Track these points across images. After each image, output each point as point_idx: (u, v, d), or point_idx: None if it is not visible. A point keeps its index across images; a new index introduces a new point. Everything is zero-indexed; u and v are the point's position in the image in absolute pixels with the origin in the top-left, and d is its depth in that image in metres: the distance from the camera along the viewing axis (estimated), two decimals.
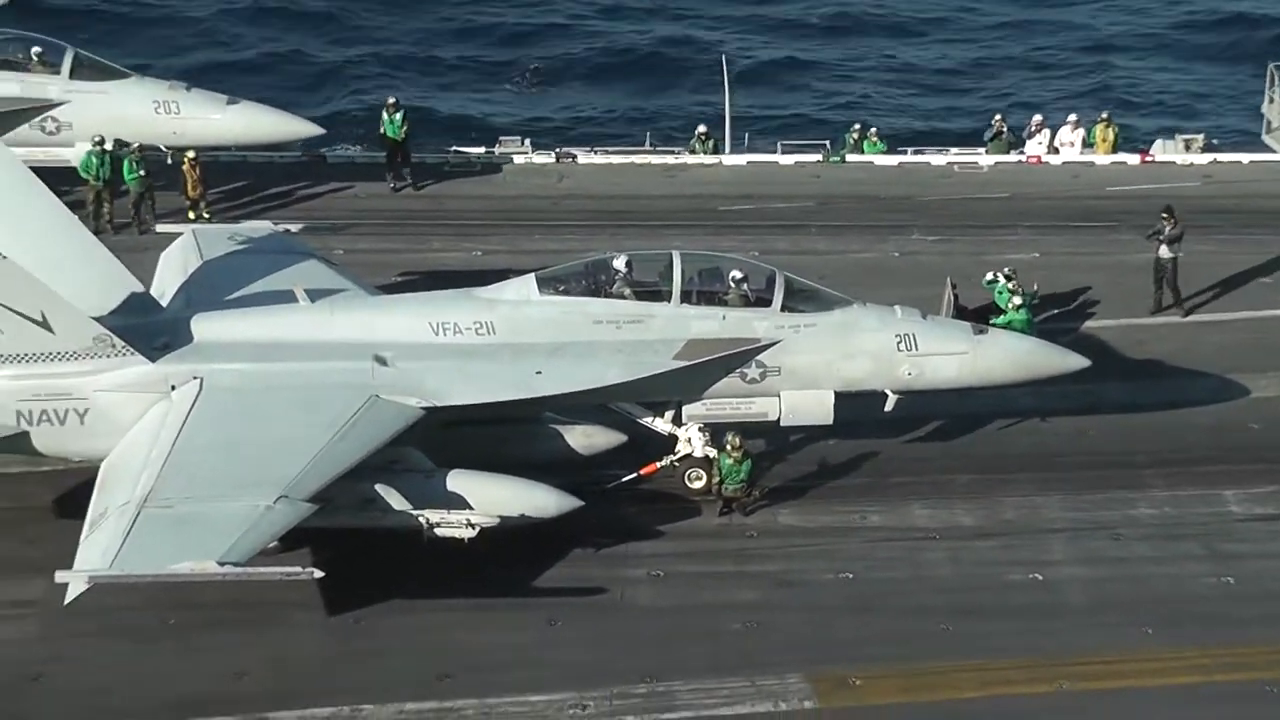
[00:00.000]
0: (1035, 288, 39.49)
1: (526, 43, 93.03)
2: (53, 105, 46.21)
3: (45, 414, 30.65)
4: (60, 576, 26.30)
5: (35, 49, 46.87)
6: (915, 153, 56.52)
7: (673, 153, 56.00)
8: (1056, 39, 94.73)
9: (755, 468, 32.64)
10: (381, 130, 51.89)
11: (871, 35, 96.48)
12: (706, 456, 32.76)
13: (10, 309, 29.95)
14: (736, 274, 32.75)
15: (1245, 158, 55.88)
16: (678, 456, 33.12)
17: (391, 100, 52.85)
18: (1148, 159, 55.21)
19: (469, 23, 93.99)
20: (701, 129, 56.25)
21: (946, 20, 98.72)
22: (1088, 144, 55.70)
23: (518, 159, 54.08)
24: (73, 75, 46.58)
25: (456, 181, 52.12)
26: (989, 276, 40.04)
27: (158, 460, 28.70)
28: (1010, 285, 39.04)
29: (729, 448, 32.18)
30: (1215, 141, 57.82)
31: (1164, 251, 42.34)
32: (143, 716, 26.31)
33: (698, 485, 32.93)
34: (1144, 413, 37.17)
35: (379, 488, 29.12)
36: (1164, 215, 42.42)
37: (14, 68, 46.49)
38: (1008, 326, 36.69)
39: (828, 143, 56.87)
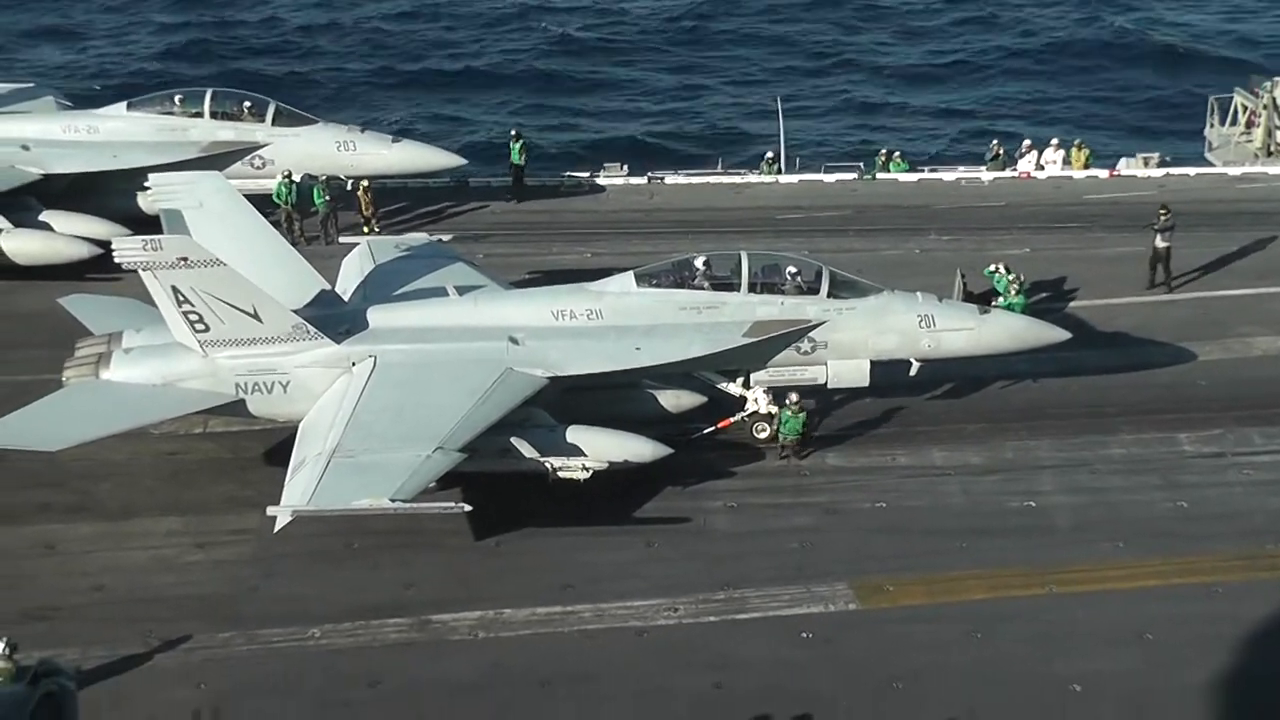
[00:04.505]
0: (1023, 278, 38.97)
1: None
2: (259, 146, 46.54)
3: (257, 385, 30.79)
4: (270, 511, 26.66)
5: (246, 103, 47.08)
6: (931, 171, 56.02)
7: (739, 174, 55.72)
8: (1040, 84, 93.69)
9: (808, 423, 32.31)
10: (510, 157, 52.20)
11: (896, 79, 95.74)
12: (770, 413, 32.52)
13: (229, 304, 30.12)
14: (791, 269, 32.50)
15: (1192, 171, 55.10)
16: (747, 413, 32.86)
17: (514, 132, 53.12)
18: (1115, 173, 54.43)
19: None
20: (769, 154, 55.93)
21: (959, 65, 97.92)
22: (1066, 162, 55.07)
23: (618, 180, 53.94)
24: (274, 123, 46.73)
25: (571, 199, 52.03)
26: (990, 268, 39.57)
27: (343, 420, 28.85)
28: (1009, 276, 38.64)
29: (789, 404, 31.95)
30: (1168, 158, 56.92)
31: (1159, 241, 41.56)
32: (334, 618, 26.41)
33: (762, 436, 32.68)
34: (1114, 374, 36.51)
35: (513, 440, 29.10)
36: (1161, 211, 41.64)
37: (230, 118, 46.74)
38: (1007, 308, 36.35)
39: (862, 164, 56.40)
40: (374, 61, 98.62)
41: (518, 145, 51.73)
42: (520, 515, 29.24)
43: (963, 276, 38.38)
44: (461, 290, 33.14)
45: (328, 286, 33.93)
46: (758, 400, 32.70)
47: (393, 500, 26.21)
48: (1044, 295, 41.07)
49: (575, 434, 29.62)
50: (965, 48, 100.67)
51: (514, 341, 31.11)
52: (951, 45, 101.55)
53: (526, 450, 29.09)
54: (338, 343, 30.94)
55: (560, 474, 29.06)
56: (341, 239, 41.96)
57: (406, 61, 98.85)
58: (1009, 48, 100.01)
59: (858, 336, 32.23)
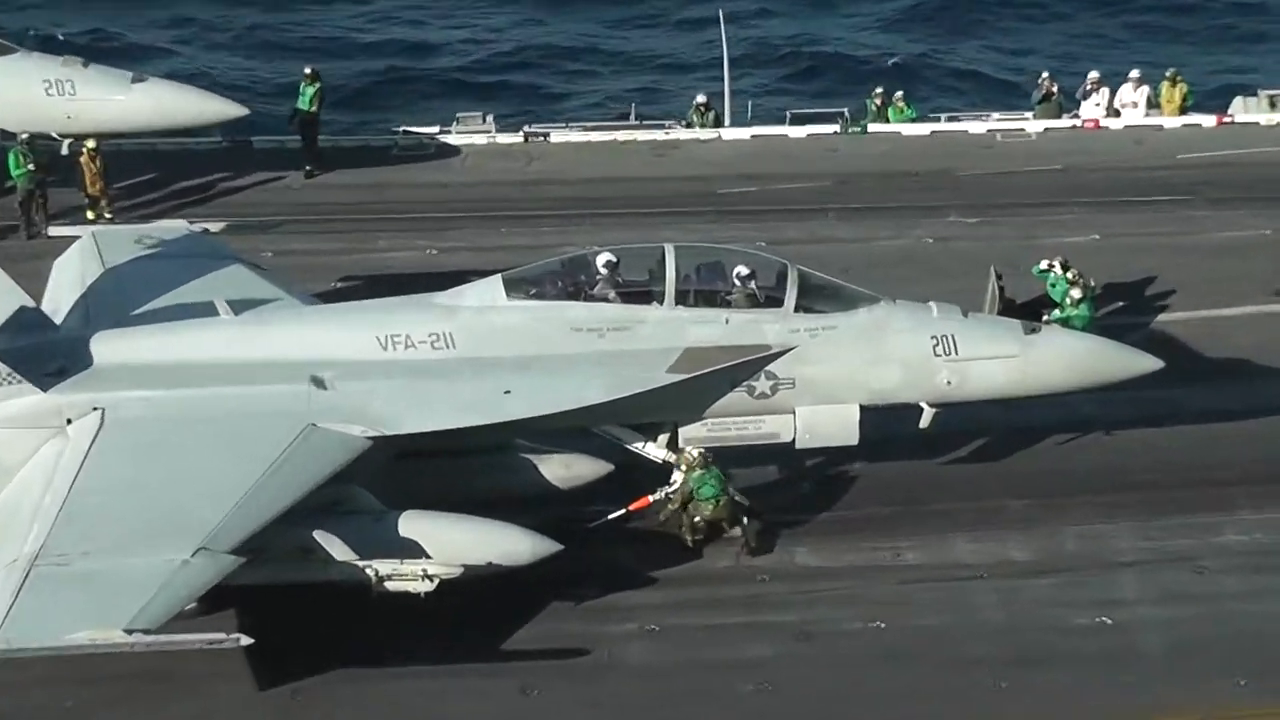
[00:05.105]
0: (1089, 280, 39.23)
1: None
2: None
3: None
4: None
5: None
6: (950, 119, 56.43)
7: (663, 127, 55.90)
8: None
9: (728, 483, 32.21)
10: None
11: None
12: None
13: None
14: (741, 269, 32.59)
15: None
16: (673, 488, 32.70)
17: (308, 70, 53.46)
18: (1225, 120, 55.03)
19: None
20: (700, 99, 56.23)
21: None
22: (1153, 104, 55.53)
23: (478, 139, 53.98)
24: None
25: (406, 167, 52.10)
26: (1041, 265, 39.88)
27: (51, 508, 28.29)
28: (1068, 275, 38.82)
29: (691, 458, 31.95)
30: None
31: None
32: None
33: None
34: (1229, 421, 36.93)
35: (318, 535, 28.78)
36: None
37: None
38: (1065, 323, 36.56)
39: (846, 111, 56.71)
40: None
41: (312, 89, 51.69)
42: (328, 648, 28.87)
43: (999, 278, 38.69)
44: (238, 306, 32.98)
45: (31, 303, 33.54)
46: None
47: (129, 631, 25.58)
48: (1120, 305, 41.65)
49: (413, 524, 29.40)
50: None
51: (319, 384, 31.00)
52: None
53: (339, 550, 28.83)
54: (44, 389, 30.60)
55: (390, 584, 28.81)
56: (53, 230, 41.72)
57: None
58: None
59: (841, 370, 32.32)
